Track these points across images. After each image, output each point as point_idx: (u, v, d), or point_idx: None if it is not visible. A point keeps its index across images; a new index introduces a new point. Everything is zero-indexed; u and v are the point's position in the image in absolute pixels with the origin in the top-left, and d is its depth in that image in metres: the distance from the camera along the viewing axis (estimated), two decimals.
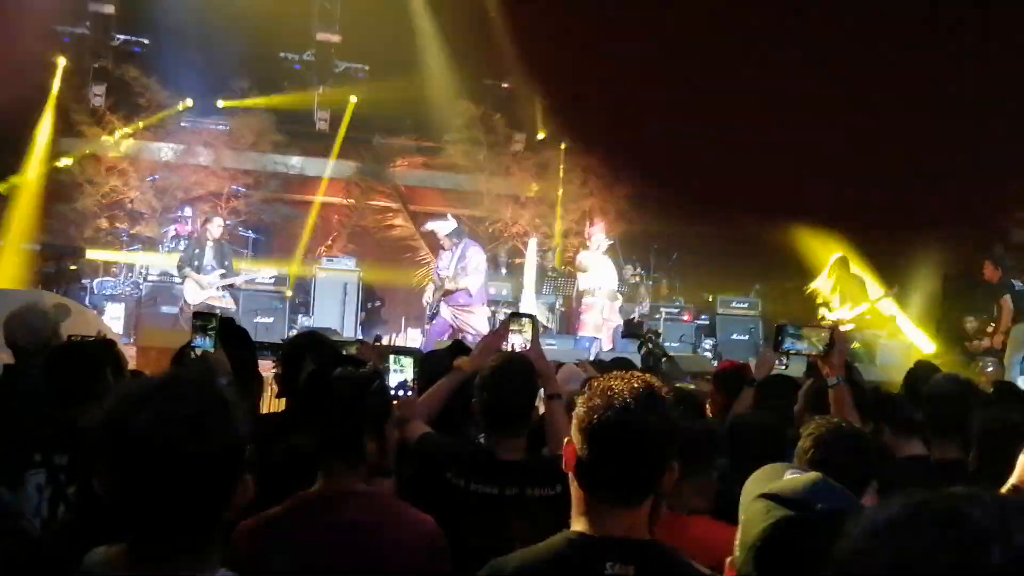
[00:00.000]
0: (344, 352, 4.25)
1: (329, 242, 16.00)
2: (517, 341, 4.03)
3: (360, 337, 12.65)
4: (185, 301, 11.88)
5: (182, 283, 12.24)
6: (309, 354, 4.09)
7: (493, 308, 12.85)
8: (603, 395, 2.15)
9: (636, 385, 2.16)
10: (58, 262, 12.93)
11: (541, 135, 16.59)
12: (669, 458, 2.17)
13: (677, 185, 15.22)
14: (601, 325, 12.06)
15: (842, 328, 10.35)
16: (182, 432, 1.69)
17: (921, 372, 5.25)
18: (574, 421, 2.19)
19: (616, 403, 2.12)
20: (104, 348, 4.21)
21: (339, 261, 14.10)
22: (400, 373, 3.88)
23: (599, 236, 12.44)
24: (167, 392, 1.76)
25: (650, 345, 7.67)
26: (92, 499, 1.79)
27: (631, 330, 11.94)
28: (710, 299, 15.10)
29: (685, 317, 14.62)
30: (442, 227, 10.99)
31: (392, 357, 3.98)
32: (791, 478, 1.82)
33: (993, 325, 11.00)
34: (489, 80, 16.35)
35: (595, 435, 2.13)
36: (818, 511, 1.68)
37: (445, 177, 16.72)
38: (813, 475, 1.83)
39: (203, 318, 4.13)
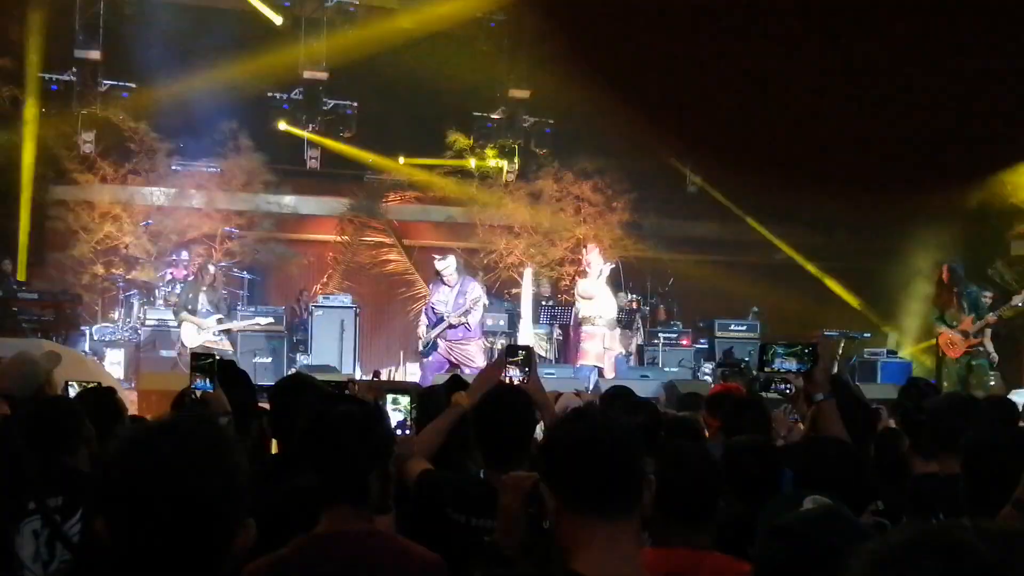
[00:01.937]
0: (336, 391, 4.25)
1: (324, 280, 16.01)
2: (515, 373, 4.02)
3: (359, 373, 12.66)
4: (183, 344, 11.88)
5: (179, 327, 12.25)
6: (298, 397, 4.09)
7: (491, 340, 12.85)
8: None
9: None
10: (56, 309, 12.95)
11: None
12: (640, 464, 2.18)
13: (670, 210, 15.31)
14: (602, 354, 12.03)
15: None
16: (185, 472, 1.71)
17: (919, 389, 5.25)
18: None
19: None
20: (74, 402, 4.23)
21: (335, 298, 14.09)
22: (398, 412, 3.86)
23: (597, 261, 12.37)
24: (169, 434, 1.78)
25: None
26: (93, 542, 1.80)
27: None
28: (700, 325, 15.11)
29: (684, 342, 14.61)
30: (450, 264, 11.06)
31: (389, 396, 3.96)
32: (804, 510, 1.81)
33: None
34: (479, 112, 16.40)
35: (558, 439, 2.20)
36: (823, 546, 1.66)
37: (438, 210, 16.77)
38: (824, 506, 1.81)
39: (201, 360, 4.13)
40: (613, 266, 12.70)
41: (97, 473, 1.76)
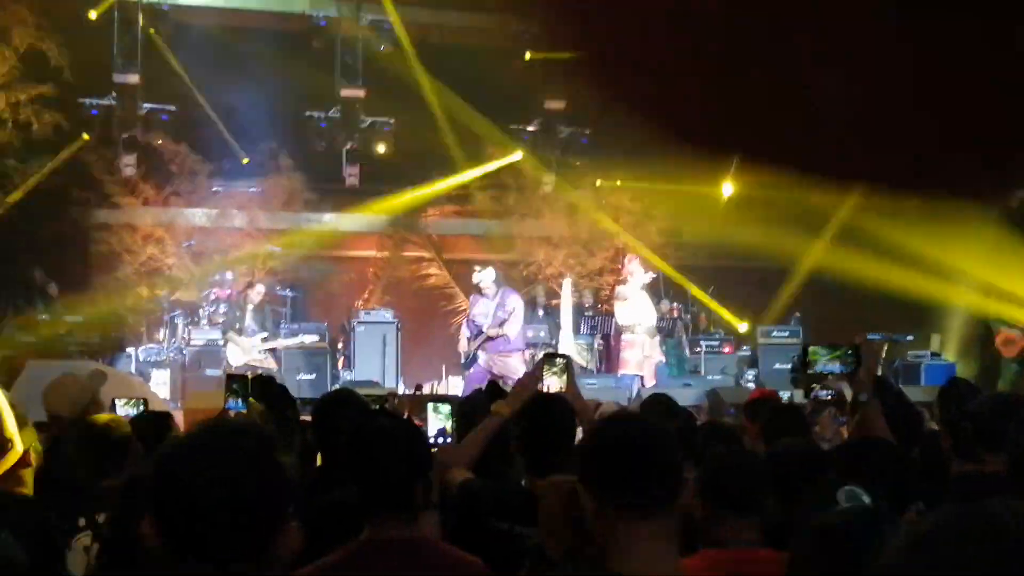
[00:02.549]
0: (376, 406, 4.31)
1: (366, 295, 16.12)
2: (553, 383, 4.04)
3: (401, 388, 12.73)
4: (228, 363, 12.02)
5: (225, 346, 12.40)
6: (340, 411, 4.15)
7: (532, 351, 12.84)
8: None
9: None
10: (102, 332, 13.14)
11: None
12: (677, 463, 2.20)
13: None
14: (643, 362, 11.95)
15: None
16: (232, 469, 1.80)
17: (959, 390, 5.16)
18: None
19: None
20: (123, 421, 4.28)
21: (376, 313, 14.18)
22: (439, 420, 3.89)
23: (637, 270, 12.29)
24: (215, 435, 1.89)
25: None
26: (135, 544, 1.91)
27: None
28: (740, 330, 15.00)
29: (726, 349, 14.53)
30: (487, 276, 11.06)
31: (431, 405, 4.00)
32: (841, 509, 1.80)
33: None
34: (516, 124, 16.43)
35: (596, 440, 2.23)
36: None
37: (476, 223, 16.82)
38: (860, 505, 1.80)
39: (236, 381, 4.21)
40: (655, 276, 12.64)
41: (148, 475, 1.85)
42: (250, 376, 4.56)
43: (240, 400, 4.13)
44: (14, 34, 13.48)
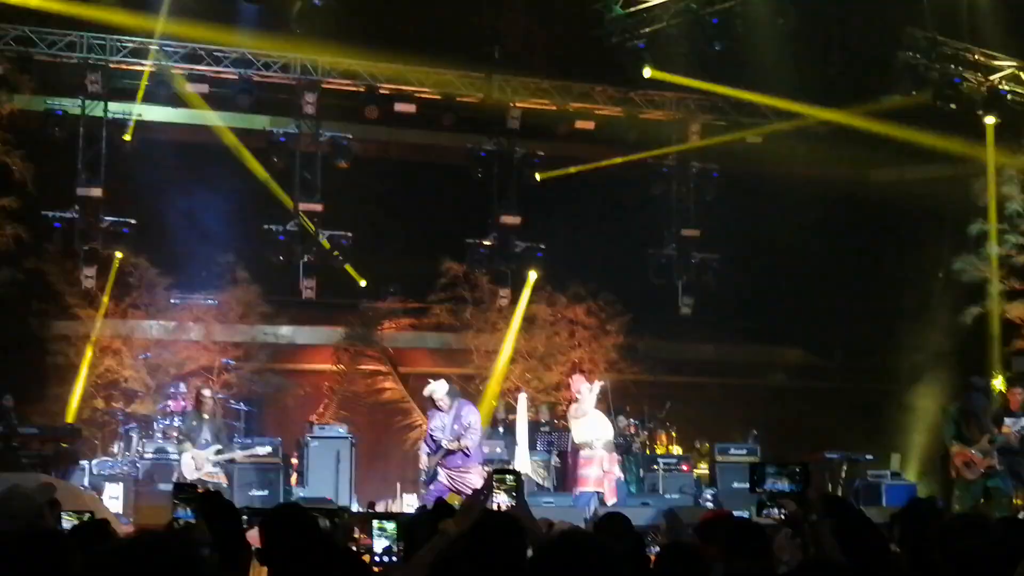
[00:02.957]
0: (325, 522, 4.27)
1: (320, 409, 15.97)
2: (503, 499, 4.00)
3: (355, 506, 12.52)
4: (181, 475, 11.79)
5: (180, 459, 12.18)
6: (288, 530, 4.10)
7: (489, 467, 12.68)
8: None
9: None
10: (56, 444, 12.91)
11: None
12: None
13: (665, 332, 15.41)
14: (602, 478, 11.77)
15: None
16: None
17: (919, 513, 5.08)
18: None
19: None
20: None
21: (330, 428, 14.00)
22: (384, 539, 3.85)
23: (584, 387, 12.24)
24: (139, 548, 1.89)
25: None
26: None
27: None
28: (697, 446, 15.01)
29: (683, 467, 14.44)
30: (439, 388, 10.91)
31: (375, 522, 3.96)
32: None
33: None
34: (472, 239, 16.63)
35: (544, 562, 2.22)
36: None
37: (433, 337, 16.84)
38: None
39: (184, 491, 4.15)
40: (602, 384, 12.61)
41: None
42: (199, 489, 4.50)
43: (188, 510, 4.07)
44: None
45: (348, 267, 15.95)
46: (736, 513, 8.18)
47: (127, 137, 15.14)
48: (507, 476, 4.04)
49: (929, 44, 14.47)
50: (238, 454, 12.50)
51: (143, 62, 15.28)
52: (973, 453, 10.73)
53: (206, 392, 12.41)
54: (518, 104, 16.61)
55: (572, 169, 16.52)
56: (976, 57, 14.76)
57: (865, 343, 16.25)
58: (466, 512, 3.96)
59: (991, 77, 14.79)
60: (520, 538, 3.51)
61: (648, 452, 14.57)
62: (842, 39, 14.44)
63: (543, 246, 16.55)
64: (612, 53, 15.25)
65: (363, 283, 16.17)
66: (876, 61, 15.02)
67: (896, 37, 14.56)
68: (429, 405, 11.10)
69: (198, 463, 11.71)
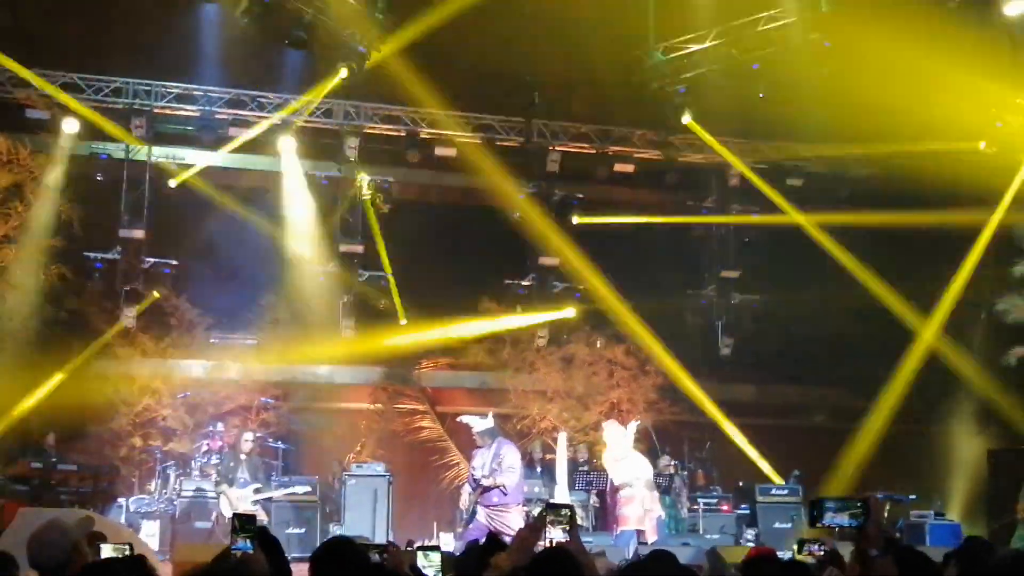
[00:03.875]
0: (375, 555, 4.25)
1: (358, 448, 15.99)
2: (556, 534, 3.99)
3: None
4: (220, 513, 11.85)
5: (217, 498, 12.25)
6: (340, 563, 4.09)
7: (528, 507, 12.63)
8: None
9: None
10: (95, 482, 13.03)
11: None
12: None
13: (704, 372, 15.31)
14: (643, 516, 11.63)
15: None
16: None
17: (976, 551, 5.05)
18: None
19: None
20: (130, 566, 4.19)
21: (368, 467, 14.01)
22: (430, 568, 3.85)
23: (616, 432, 12.12)
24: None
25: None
26: None
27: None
28: (740, 484, 14.89)
29: (724, 507, 14.33)
30: (477, 423, 10.86)
31: (420, 554, 3.96)
32: None
33: None
34: (510, 279, 16.69)
35: None
36: None
37: (471, 376, 16.86)
38: None
39: (245, 521, 4.15)
40: (638, 424, 12.53)
41: None
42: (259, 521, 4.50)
43: (248, 541, 4.06)
44: (27, 188, 13.82)
45: (397, 300, 16.05)
46: (779, 553, 8.11)
47: (178, 180, 15.36)
48: (562, 510, 4.03)
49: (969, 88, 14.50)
50: (276, 493, 12.57)
51: (187, 107, 15.57)
52: None
53: (247, 436, 12.49)
54: (557, 148, 16.77)
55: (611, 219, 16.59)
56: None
57: (907, 385, 16.08)
58: (520, 547, 3.96)
59: None
60: (576, 571, 3.50)
61: (689, 492, 14.46)
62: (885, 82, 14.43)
63: (582, 287, 16.59)
64: (652, 97, 15.39)
65: (404, 321, 16.24)
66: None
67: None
68: (473, 444, 11.08)
69: (236, 502, 11.76)
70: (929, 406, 15.66)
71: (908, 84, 14.01)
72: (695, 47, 14.96)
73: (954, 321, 15.71)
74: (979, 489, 14.64)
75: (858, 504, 3.76)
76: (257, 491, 12.03)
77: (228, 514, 11.62)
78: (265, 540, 4.29)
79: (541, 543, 4.06)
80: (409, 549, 7.57)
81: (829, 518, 3.79)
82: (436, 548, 4.52)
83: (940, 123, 14.66)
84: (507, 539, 9.47)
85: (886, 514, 13.35)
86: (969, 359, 15.28)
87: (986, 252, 15.50)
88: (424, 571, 4.14)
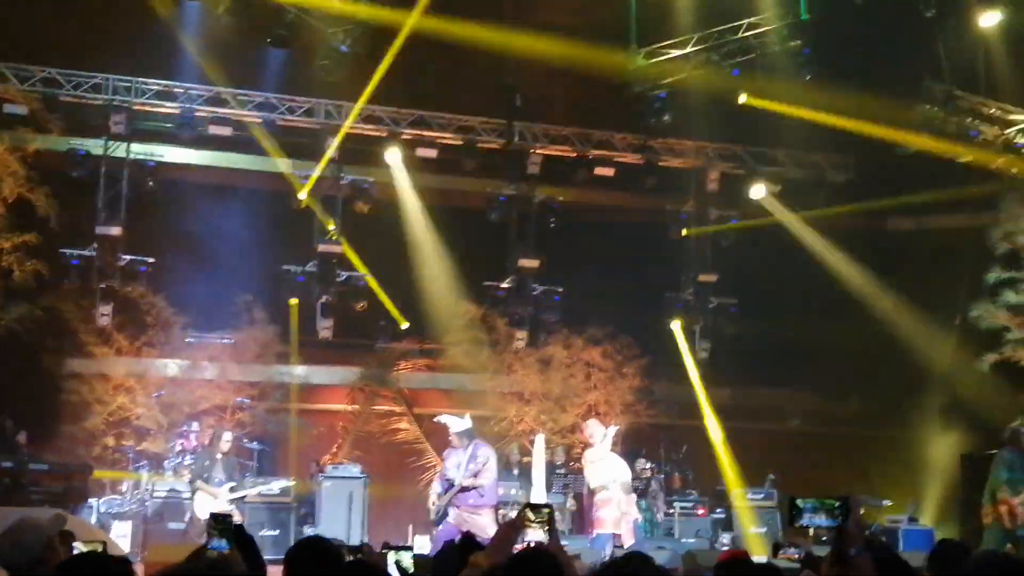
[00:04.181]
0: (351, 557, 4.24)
1: (334, 449, 15.93)
2: (535, 535, 3.97)
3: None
4: (195, 514, 11.74)
5: (191, 497, 12.14)
6: (316, 561, 4.07)
7: (503, 510, 12.61)
8: None
9: None
10: (66, 481, 12.89)
11: None
12: None
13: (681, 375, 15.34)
14: (620, 519, 11.58)
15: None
16: None
17: (948, 554, 5.08)
18: None
19: None
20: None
21: (344, 468, 13.95)
22: (398, 570, 3.84)
23: (597, 431, 12.12)
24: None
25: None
26: None
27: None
28: (719, 489, 14.93)
29: (700, 511, 14.36)
30: (455, 423, 10.82)
31: (390, 553, 3.94)
32: None
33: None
34: (489, 282, 16.70)
35: None
36: None
37: (448, 378, 16.83)
38: None
39: (221, 520, 4.11)
40: (617, 427, 12.54)
41: None
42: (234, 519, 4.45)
43: (224, 540, 4.02)
44: (3, 184, 13.68)
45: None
46: (755, 558, 8.13)
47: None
48: (542, 509, 4.02)
49: (947, 97, 14.65)
50: (252, 491, 12.45)
51: (167, 104, 15.49)
52: (1018, 502, 10.58)
53: (227, 435, 12.39)
54: (538, 150, 16.79)
55: None
56: (992, 111, 14.90)
57: (881, 389, 16.20)
58: (499, 546, 3.95)
59: (1007, 131, 14.95)
60: (557, 572, 3.49)
61: (665, 495, 14.48)
62: (861, 88, 14.56)
63: (561, 289, 16.61)
64: (632, 101, 15.45)
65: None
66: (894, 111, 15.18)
67: (914, 90, 14.76)
68: (447, 444, 11.06)
69: (211, 500, 11.67)
70: (902, 411, 15.76)
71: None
72: (676, 52, 15.03)
73: (929, 326, 15.83)
74: (952, 494, 14.74)
75: (837, 504, 3.77)
76: (232, 490, 11.93)
77: (202, 513, 11.54)
78: (240, 539, 4.26)
79: (519, 543, 4.05)
80: (384, 551, 7.55)
81: (807, 518, 3.79)
82: (409, 548, 4.51)
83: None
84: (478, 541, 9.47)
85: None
86: (944, 364, 15.39)
87: (961, 258, 15.62)
88: (395, 571, 4.12)
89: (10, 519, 7.14)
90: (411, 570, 4.02)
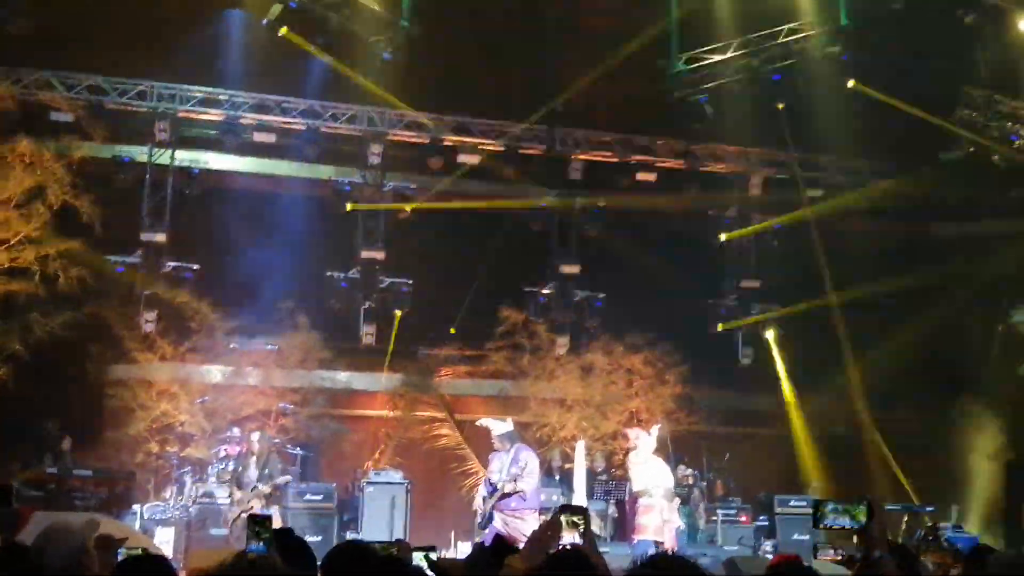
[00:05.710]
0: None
1: (376, 455, 15.95)
2: (570, 537, 3.93)
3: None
4: (227, 519, 11.82)
5: (228, 502, 12.22)
6: (355, 567, 4.04)
7: (544, 515, 12.53)
8: None
9: None
10: (110, 487, 13.00)
11: None
12: None
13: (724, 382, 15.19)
14: (662, 527, 11.45)
15: None
16: None
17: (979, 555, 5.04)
18: None
19: None
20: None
21: (386, 474, 13.98)
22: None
23: (641, 434, 12.03)
24: None
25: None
26: None
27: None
28: (760, 498, 14.77)
29: (743, 519, 14.22)
30: (497, 427, 10.78)
31: (416, 554, 3.91)
32: None
33: None
34: (530, 287, 16.67)
35: None
36: None
37: (490, 384, 16.81)
38: None
39: (258, 522, 4.07)
40: (659, 425, 12.43)
41: None
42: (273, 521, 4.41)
43: (262, 543, 3.98)
44: (49, 191, 13.86)
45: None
46: None
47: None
48: (576, 512, 3.98)
49: (987, 101, 14.51)
50: (281, 479, 12.36)
51: (211, 111, 15.64)
52: None
53: (255, 435, 12.45)
54: (580, 156, 16.76)
55: None
56: None
57: (924, 396, 15.96)
58: (534, 549, 3.90)
59: None
60: (591, 574, 3.44)
61: (707, 503, 14.35)
62: (902, 96, 14.44)
63: (602, 295, 16.55)
64: (674, 107, 15.42)
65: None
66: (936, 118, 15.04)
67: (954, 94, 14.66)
68: (491, 449, 11.01)
69: (243, 504, 11.71)
70: (948, 418, 15.52)
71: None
72: (717, 57, 14.98)
73: (973, 332, 15.60)
74: (995, 500, 14.51)
75: (860, 505, 3.72)
76: (253, 490, 11.94)
77: (232, 516, 11.61)
78: (291, 543, 4.24)
79: (555, 545, 4.01)
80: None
81: (831, 519, 3.76)
82: (433, 548, 4.50)
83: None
84: (521, 546, 9.40)
85: (903, 525, 13.23)
86: (987, 370, 15.18)
87: (1003, 263, 15.40)
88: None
89: (43, 524, 7.22)
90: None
